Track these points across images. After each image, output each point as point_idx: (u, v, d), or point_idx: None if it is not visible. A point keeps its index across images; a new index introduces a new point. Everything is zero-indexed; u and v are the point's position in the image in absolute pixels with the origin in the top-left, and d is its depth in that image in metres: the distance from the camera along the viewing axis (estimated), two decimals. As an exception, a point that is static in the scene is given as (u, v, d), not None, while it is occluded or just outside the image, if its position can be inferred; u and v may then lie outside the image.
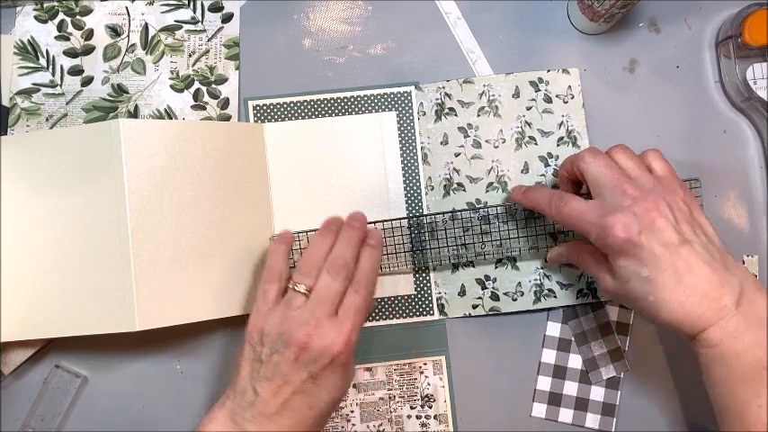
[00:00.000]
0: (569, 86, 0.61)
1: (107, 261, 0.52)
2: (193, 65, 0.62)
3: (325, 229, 0.54)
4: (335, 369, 0.49)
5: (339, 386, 0.50)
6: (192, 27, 0.62)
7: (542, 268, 0.60)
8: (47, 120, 0.61)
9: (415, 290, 0.60)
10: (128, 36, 0.62)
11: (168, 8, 0.62)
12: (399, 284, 0.60)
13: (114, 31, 0.62)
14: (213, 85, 0.62)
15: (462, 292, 0.60)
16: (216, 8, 0.62)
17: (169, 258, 0.53)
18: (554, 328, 0.61)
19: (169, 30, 0.62)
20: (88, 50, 0.62)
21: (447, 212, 0.59)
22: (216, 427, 0.49)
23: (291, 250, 0.57)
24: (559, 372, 0.60)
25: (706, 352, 0.48)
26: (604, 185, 0.50)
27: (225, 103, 0.61)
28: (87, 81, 0.61)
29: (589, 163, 0.51)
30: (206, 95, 0.61)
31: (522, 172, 0.60)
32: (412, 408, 0.60)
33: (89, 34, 0.62)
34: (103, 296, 0.52)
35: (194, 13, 0.62)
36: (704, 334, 0.47)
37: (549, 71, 0.61)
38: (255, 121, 0.61)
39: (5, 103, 0.61)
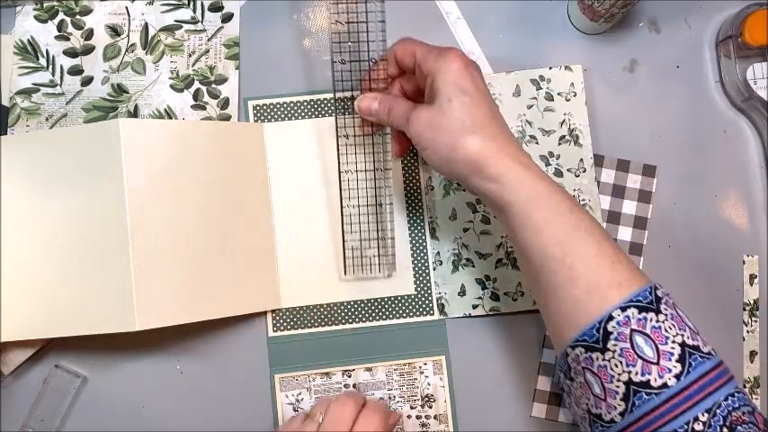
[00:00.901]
0: (572, 84, 0.60)
1: (107, 261, 0.52)
2: (193, 65, 0.62)
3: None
4: None
5: None
6: (191, 27, 0.62)
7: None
8: (47, 120, 0.60)
9: (415, 290, 0.60)
10: (128, 36, 0.62)
11: (168, 8, 0.62)
12: (399, 284, 0.60)
13: (114, 30, 0.62)
14: (213, 85, 0.61)
15: (462, 292, 0.60)
16: (216, 8, 0.62)
17: (169, 258, 0.53)
18: (554, 328, 0.61)
19: (169, 30, 0.62)
20: (88, 50, 0.62)
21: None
22: None
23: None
24: (559, 372, 0.60)
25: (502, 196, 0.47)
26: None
27: (225, 103, 0.61)
28: (87, 81, 0.61)
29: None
30: (206, 95, 0.61)
31: (522, 172, 0.60)
32: (412, 408, 0.60)
33: (89, 34, 0.62)
34: (103, 296, 0.52)
35: (194, 12, 0.62)
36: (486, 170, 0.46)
37: (550, 68, 0.61)
38: (255, 121, 0.61)
39: (5, 102, 0.61)
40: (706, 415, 0.42)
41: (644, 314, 0.43)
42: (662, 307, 0.44)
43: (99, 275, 0.52)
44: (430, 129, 0.48)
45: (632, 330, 0.43)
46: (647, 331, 0.43)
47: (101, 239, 0.52)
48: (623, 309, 0.44)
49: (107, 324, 0.52)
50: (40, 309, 0.54)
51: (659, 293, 0.45)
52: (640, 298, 0.44)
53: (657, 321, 0.43)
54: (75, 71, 0.61)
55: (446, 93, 0.48)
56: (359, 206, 0.58)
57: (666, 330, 0.43)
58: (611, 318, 0.44)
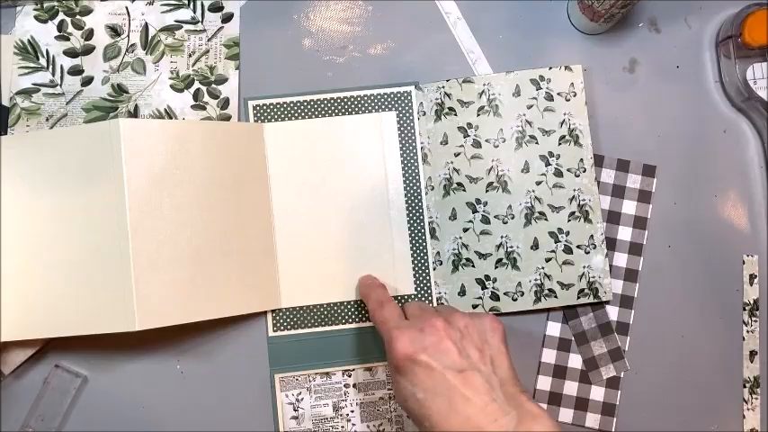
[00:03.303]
0: (572, 84, 0.60)
1: (107, 261, 0.52)
2: (193, 65, 0.62)
3: None
4: None
5: None
6: (191, 27, 0.62)
7: (543, 268, 0.60)
8: (47, 120, 0.61)
9: (416, 290, 0.60)
10: (128, 36, 0.62)
11: (168, 8, 0.62)
12: (400, 284, 0.60)
13: (114, 30, 0.62)
14: (213, 85, 0.61)
15: (462, 292, 0.60)
16: (216, 8, 0.62)
17: (169, 258, 0.53)
18: (554, 328, 0.61)
19: (169, 30, 0.62)
20: (88, 50, 0.62)
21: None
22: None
23: None
24: (559, 372, 0.60)
25: None
26: (411, 313, 0.52)
27: (225, 103, 0.61)
28: (87, 81, 0.61)
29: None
30: (206, 95, 0.61)
31: (522, 171, 0.60)
32: (412, 408, 0.60)
33: (89, 34, 0.62)
34: (103, 296, 0.52)
35: (194, 13, 0.62)
36: None
37: (550, 68, 0.61)
38: (255, 121, 0.61)
39: (5, 103, 0.61)
40: None
41: None
42: None
43: (99, 275, 0.52)
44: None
45: None
46: None
47: (101, 239, 0.52)
48: None
49: (107, 324, 0.52)
50: (40, 309, 0.54)
51: None
52: None
53: None
54: (76, 71, 0.61)
55: (401, 393, 0.48)
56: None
57: None
58: None
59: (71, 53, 0.61)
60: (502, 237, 0.60)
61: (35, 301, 0.54)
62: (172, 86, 0.61)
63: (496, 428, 0.44)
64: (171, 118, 0.61)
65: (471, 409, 0.45)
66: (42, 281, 0.54)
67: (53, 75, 0.61)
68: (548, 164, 0.60)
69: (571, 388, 0.60)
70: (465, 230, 0.60)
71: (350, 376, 0.60)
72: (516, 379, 0.48)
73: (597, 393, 0.60)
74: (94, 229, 0.53)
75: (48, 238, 0.54)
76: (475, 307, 0.60)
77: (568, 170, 0.60)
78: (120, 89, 0.61)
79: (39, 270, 0.54)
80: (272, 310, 0.60)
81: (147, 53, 0.62)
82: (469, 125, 0.60)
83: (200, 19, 0.62)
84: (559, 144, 0.60)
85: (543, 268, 0.60)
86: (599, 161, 0.62)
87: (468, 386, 0.45)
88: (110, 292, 0.52)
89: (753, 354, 0.61)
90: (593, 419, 0.60)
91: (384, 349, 0.51)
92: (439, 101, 0.61)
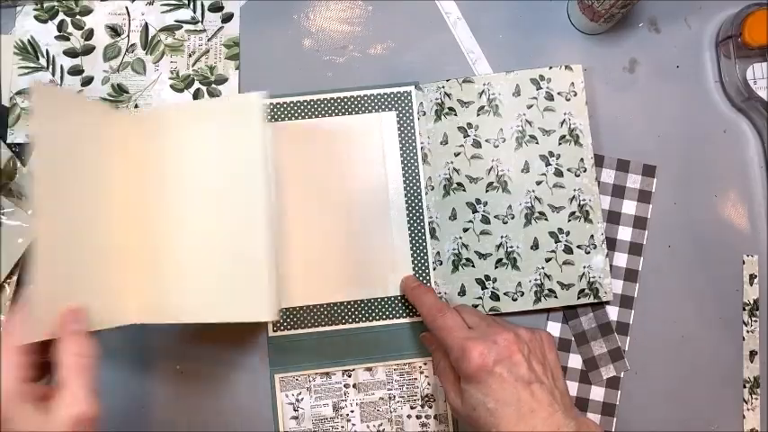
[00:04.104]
0: (572, 83, 0.60)
1: (245, 247, 0.51)
2: (193, 65, 0.62)
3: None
4: None
5: None
6: (191, 27, 0.62)
7: (543, 268, 0.60)
8: (47, 120, 0.61)
9: (416, 290, 0.60)
10: (128, 36, 0.62)
11: (168, 8, 0.62)
12: (393, 285, 0.60)
13: (114, 31, 0.62)
14: (213, 85, 0.62)
15: (462, 292, 0.60)
16: (216, 8, 0.62)
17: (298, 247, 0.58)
18: (554, 328, 0.61)
19: (169, 30, 0.62)
20: (88, 50, 0.62)
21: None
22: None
23: None
24: (559, 372, 0.60)
25: None
26: (473, 322, 0.52)
27: (225, 103, 0.61)
28: (87, 81, 0.61)
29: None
30: (206, 95, 0.61)
31: (522, 171, 0.60)
32: (412, 408, 0.60)
33: (89, 34, 0.62)
34: (239, 283, 0.51)
35: (194, 13, 0.62)
36: None
37: (550, 68, 0.61)
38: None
39: (5, 102, 0.61)
40: None
41: None
42: None
43: (235, 262, 0.51)
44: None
45: None
46: None
47: (239, 224, 0.51)
48: None
49: (243, 313, 0.50)
50: (174, 293, 0.52)
51: None
52: None
53: None
54: (76, 71, 0.61)
55: (470, 402, 0.50)
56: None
57: None
58: None
59: (71, 53, 0.61)
60: (502, 237, 0.60)
61: (170, 286, 0.53)
62: (172, 86, 0.61)
63: None
64: (171, 118, 0.61)
65: (537, 419, 0.47)
66: (178, 264, 0.53)
67: (53, 75, 0.61)
68: (548, 164, 0.60)
69: (571, 388, 0.60)
70: (465, 230, 0.60)
71: (350, 376, 0.60)
72: (569, 391, 0.51)
73: (597, 393, 0.60)
74: (234, 212, 0.52)
75: (186, 220, 0.53)
76: (475, 307, 0.60)
77: (569, 170, 0.60)
78: (120, 89, 0.61)
79: (176, 253, 0.53)
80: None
81: (147, 53, 0.62)
82: (469, 125, 0.60)
83: (201, 19, 0.62)
84: (560, 144, 0.60)
85: (543, 268, 0.60)
86: (599, 161, 0.62)
87: (534, 398, 0.48)
88: (246, 279, 0.50)
89: (753, 354, 0.61)
90: (593, 419, 0.60)
91: (442, 357, 0.53)
92: (439, 101, 0.61)
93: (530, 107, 0.60)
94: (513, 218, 0.60)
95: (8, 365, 0.44)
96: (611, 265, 0.61)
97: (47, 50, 0.61)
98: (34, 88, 0.48)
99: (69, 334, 0.46)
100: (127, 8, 0.62)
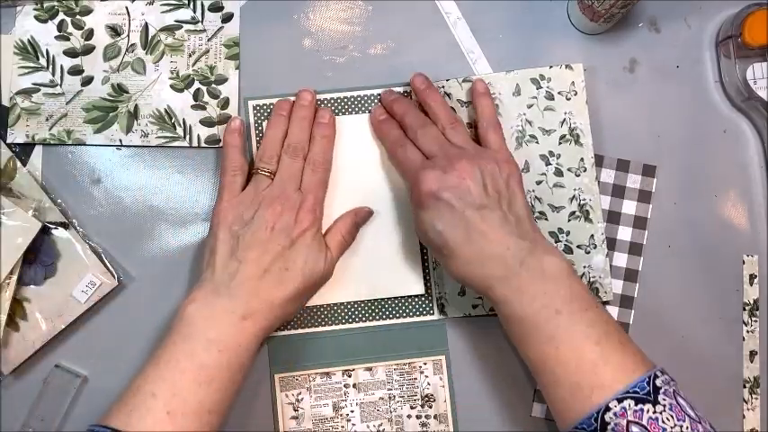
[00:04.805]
0: (572, 83, 0.60)
1: (397, 234, 0.60)
2: (193, 65, 0.62)
3: (276, 117, 0.59)
4: (307, 237, 0.54)
5: (313, 255, 0.54)
6: (191, 27, 0.62)
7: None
8: (47, 120, 0.60)
9: (417, 289, 0.60)
10: (128, 36, 0.62)
11: (168, 8, 0.62)
12: (407, 284, 0.60)
13: (114, 30, 0.62)
14: (213, 85, 0.61)
15: (462, 292, 0.60)
16: (216, 8, 0.62)
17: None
18: (554, 328, 0.61)
19: (169, 30, 0.62)
20: (88, 50, 0.62)
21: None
22: (199, 303, 0.51)
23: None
24: (560, 372, 0.60)
25: (499, 309, 0.51)
26: (432, 152, 0.54)
27: (225, 103, 0.61)
28: (87, 81, 0.61)
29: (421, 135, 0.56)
30: (206, 95, 0.61)
31: (522, 171, 0.60)
32: (412, 408, 0.60)
33: (89, 34, 0.62)
34: (396, 265, 0.60)
35: (194, 12, 0.62)
36: (491, 292, 0.50)
37: (551, 67, 0.61)
38: (256, 121, 0.61)
39: (5, 102, 0.61)
40: None
41: (641, 405, 0.45)
42: (660, 398, 0.45)
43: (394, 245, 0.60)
44: None
45: (629, 422, 0.44)
46: (644, 422, 0.44)
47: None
48: (620, 400, 0.45)
49: (403, 289, 0.60)
50: (349, 276, 0.60)
51: (658, 383, 0.46)
52: (637, 389, 0.45)
53: (655, 413, 0.44)
54: (75, 71, 0.61)
55: (421, 226, 0.54)
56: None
57: (664, 422, 0.44)
58: (608, 408, 0.45)
59: (71, 53, 0.61)
60: (502, 237, 0.60)
61: (354, 268, 0.60)
62: (172, 86, 0.61)
63: (508, 257, 0.49)
64: (171, 118, 0.61)
65: (485, 240, 0.50)
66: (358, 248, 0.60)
67: (53, 75, 0.61)
68: (548, 163, 0.60)
69: (571, 388, 0.60)
70: (465, 230, 0.60)
71: (350, 376, 0.60)
72: (531, 219, 0.53)
73: (597, 393, 0.60)
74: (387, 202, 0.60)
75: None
76: (475, 307, 0.60)
77: (569, 169, 0.60)
78: (120, 89, 0.61)
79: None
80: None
81: (147, 53, 0.62)
82: (470, 125, 0.60)
83: (200, 19, 0.62)
84: (560, 143, 0.60)
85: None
86: (599, 161, 0.62)
87: (485, 221, 0.50)
88: (400, 260, 0.60)
89: (753, 354, 0.61)
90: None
91: (408, 189, 0.57)
92: (439, 101, 0.61)
93: (530, 107, 0.60)
94: (513, 218, 0.60)
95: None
96: (611, 265, 0.61)
97: (47, 50, 0.61)
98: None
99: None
100: (127, 8, 0.62)
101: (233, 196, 0.55)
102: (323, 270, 0.55)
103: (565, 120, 0.60)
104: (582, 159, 0.60)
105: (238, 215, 0.54)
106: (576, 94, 0.60)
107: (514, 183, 0.53)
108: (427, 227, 0.52)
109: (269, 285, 0.52)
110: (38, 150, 0.61)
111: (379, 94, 0.61)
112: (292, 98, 0.60)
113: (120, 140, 0.61)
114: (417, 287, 0.60)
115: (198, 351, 0.49)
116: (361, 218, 0.59)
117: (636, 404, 0.45)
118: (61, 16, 0.62)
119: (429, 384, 0.60)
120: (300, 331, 0.60)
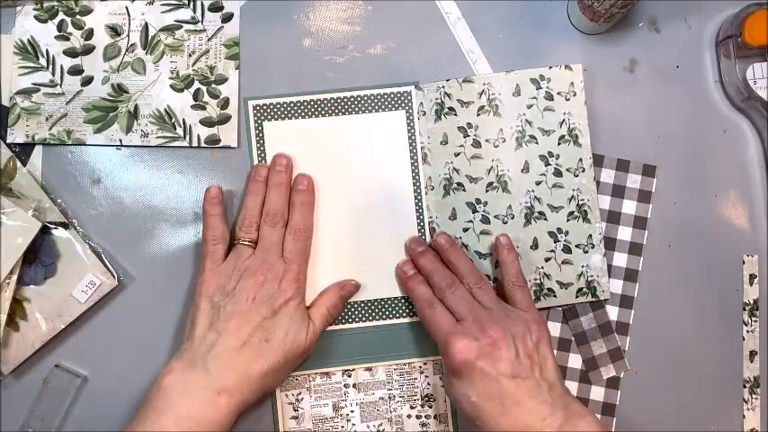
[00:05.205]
0: (572, 83, 0.60)
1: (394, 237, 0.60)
2: (193, 65, 0.62)
3: (253, 183, 0.58)
4: (290, 307, 0.54)
5: (295, 326, 0.54)
6: (191, 27, 0.62)
7: (542, 267, 0.60)
8: (47, 120, 0.61)
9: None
10: (128, 36, 0.62)
11: (168, 8, 0.62)
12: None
13: (114, 30, 0.62)
14: (213, 85, 0.62)
15: (462, 292, 0.60)
16: (216, 8, 0.62)
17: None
18: (554, 328, 0.61)
19: (169, 29, 0.62)
20: (88, 50, 0.62)
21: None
22: (175, 376, 0.51)
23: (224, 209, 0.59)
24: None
25: None
26: (461, 314, 0.53)
27: (225, 103, 0.61)
28: (87, 81, 0.61)
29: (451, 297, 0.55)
30: (206, 95, 0.61)
31: (522, 171, 0.60)
32: (412, 407, 0.60)
33: (89, 34, 0.62)
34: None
35: (194, 12, 0.62)
36: None
37: (550, 68, 0.61)
38: (255, 121, 0.61)
39: (5, 102, 0.61)
40: None
41: None
42: None
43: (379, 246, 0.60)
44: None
45: None
46: None
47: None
48: None
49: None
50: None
51: None
52: None
53: None
54: (75, 71, 0.61)
55: (454, 394, 0.53)
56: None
57: None
58: None
59: (71, 53, 0.61)
60: (502, 237, 0.60)
61: (355, 269, 0.60)
62: (172, 86, 0.61)
63: (545, 427, 0.48)
64: (171, 118, 0.61)
65: (520, 410, 0.49)
66: (357, 250, 0.60)
67: (53, 75, 0.61)
68: (547, 164, 0.60)
69: (571, 388, 0.60)
70: (465, 230, 0.60)
71: (350, 376, 0.60)
72: (562, 382, 0.52)
73: (597, 393, 0.60)
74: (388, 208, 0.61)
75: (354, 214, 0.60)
76: (475, 307, 0.60)
77: (568, 170, 0.60)
78: (120, 89, 0.61)
79: (357, 242, 0.60)
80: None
81: (147, 53, 0.62)
82: (469, 125, 0.60)
83: (200, 19, 0.62)
84: (559, 144, 0.60)
85: (543, 268, 0.60)
86: (599, 161, 0.62)
87: (519, 390, 0.49)
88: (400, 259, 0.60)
89: (753, 354, 0.61)
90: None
91: (435, 347, 0.55)
92: (439, 101, 0.61)
93: (529, 107, 0.60)
94: (512, 218, 0.60)
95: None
96: (610, 265, 0.61)
97: (47, 50, 0.61)
98: (267, 128, 0.60)
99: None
100: (127, 8, 0.62)
101: (215, 265, 0.55)
102: (305, 343, 0.55)
103: (564, 120, 0.60)
104: (580, 160, 0.60)
105: (220, 286, 0.54)
106: (575, 95, 0.60)
107: (545, 346, 0.52)
108: (461, 397, 0.51)
109: (247, 358, 0.52)
110: (38, 150, 0.61)
111: (380, 94, 0.61)
112: (291, 99, 0.60)
113: (120, 140, 0.61)
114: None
115: (168, 427, 0.49)
116: (348, 291, 0.59)
117: None
118: (61, 16, 0.62)
119: (429, 384, 0.60)
120: (300, 331, 0.60)
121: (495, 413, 0.49)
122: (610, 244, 0.61)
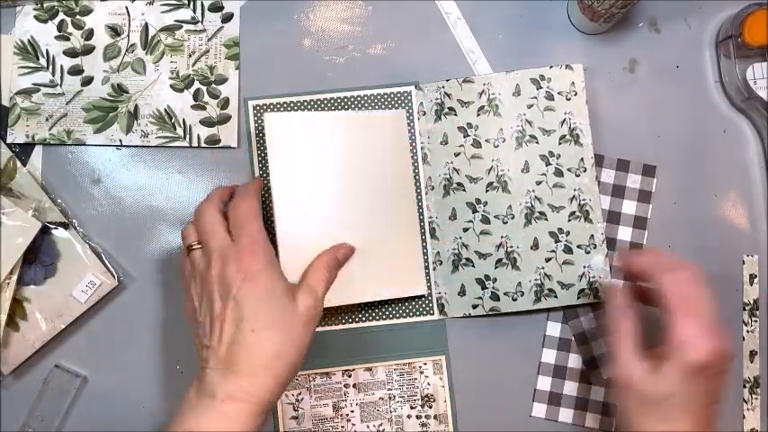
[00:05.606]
0: (572, 83, 0.60)
1: (400, 238, 0.60)
2: (193, 65, 0.62)
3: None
4: (254, 284, 0.48)
5: (278, 303, 0.49)
6: (191, 27, 0.62)
7: (543, 268, 0.60)
8: (47, 120, 0.61)
9: (427, 291, 0.60)
10: (128, 36, 0.62)
11: (168, 8, 0.62)
12: (410, 285, 0.60)
13: (114, 30, 0.62)
14: (213, 85, 0.62)
15: (462, 292, 0.60)
16: (216, 8, 0.62)
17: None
18: (554, 328, 0.61)
19: (169, 30, 0.62)
20: (88, 50, 0.62)
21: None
22: (189, 395, 0.48)
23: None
24: (559, 372, 0.60)
25: None
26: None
27: (225, 103, 0.61)
28: (87, 81, 0.61)
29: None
30: (206, 95, 0.61)
31: (522, 171, 0.60)
32: (412, 408, 0.60)
33: (89, 34, 0.62)
34: (399, 267, 0.59)
35: (194, 12, 0.62)
36: None
37: (551, 67, 0.61)
38: (255, 121, 0.61)
39: (5, 102, 0.61)
40: None
41: None
42: None
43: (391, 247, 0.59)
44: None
45: None
46: None
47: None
48: None
49: (405, 290, 0.60)
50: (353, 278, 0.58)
51: None
52: None
53: None
54: (75, 71, 0.61)
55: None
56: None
57: None
58: None
59: (71, 53, 0.61)
60: (502, 237, 0.60)
61: (354, 270, 0.57)
62: (172, 86, 0.61)
63: None
64: (171, 118, 0.61)
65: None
66: (360, 251, 0.58)
67: (53, 75, 0.61)
68: (548, 163, 0.60)
69: (571, 388, 0.60)
70: (465, 230, 0.60)
71: (350, 376, 0.60)
72: None
73: (597, 393, 0.60)
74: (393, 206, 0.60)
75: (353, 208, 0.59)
76: (475, 307, 0.60)
77: (569, 170, 0.60)
78: (120, 89, 0.61)
79: (360, 242, 0.58)
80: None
81: (147, 53, 0.62)
82: (469, 125, 0.60)
83: (201, 19, 0.62)
84: (560, 144, 0.60)
85: (543, 268, 0.60)
86: (599, 161, 0.62)
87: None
88: (404, 262, 0.59)
89: (753, 354, 0.61)
90: (592, 420, 0.60)
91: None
92: (439, 101, 0.61)
93: (530, 107, 0.60)
94: (513, 218, 0.60)
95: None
96: (610, 265, 0.61)
97: (47, 50, 0.61)
98: (268, 119, 0.57)
99: None
100: (127, 8, 0.62)
101: (186, 287, 0.52)
102: (306, 310, 0.50)
103: (565, 120, 0.60)
104: (582, 159, 0.60)
105: (193, 307, 0.51)
106: (575, 95, 0.60)
107: None
108: (674, 391, 0.48)
109: (242, 357, 0.47)
110: (38, 150, 0.61)
111: (379, 94, 0.61)
112: (291, 99, 0.60)
113: (120, 140, 0.61)
114: (418, 288, 0.60)
115: None
116: (343, 255, 0.56)
117: None
118: (61, 16, 0.62)
119: (429, 384, 0.60)
120: (300, 331, 0.60)
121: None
122: (610, 244, 0.61)
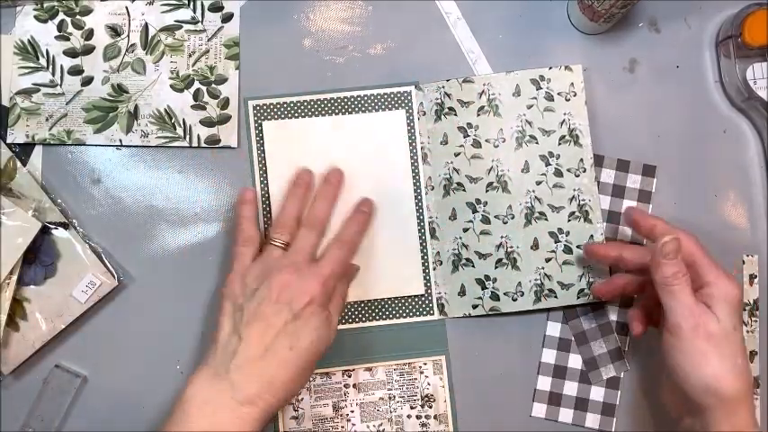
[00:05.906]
0: (572, 83, 0.60)
1: (400, 238, 0.60)
2: (193, 65, 0.62)
3: (295, 188, 0.58)
4: (315, 311, 0.51)
5: (319, 332, 0.51)
6: (191, 27, 0.62)
7: (543, 268, 0.60)
8: (47, 120, 0.60)
9: (425, 290, 0.60)
10: (128, 36, 0.62)
11: (168, 8, 0.62)
12: (408, 284, 0.60)
13: (114, 30, 0.62)
14: (213, 85, 0.62)
15: (462, 292, 0.60)
16: (216, 8, 0.62)
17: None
18: (554, 328, 0.61)
19: (169, 30, 0.62)
20: (88, 50, 0.62)
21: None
22: (198, 386, 0.49)
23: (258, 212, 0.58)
24: (559, 372, 0.60)
25: None
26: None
27: (225, 103, 0.61)
28: (87, 81, 0.61)
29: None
30: (206, 95, 0.61)
31: (522, 171, 0.60)
32: (412, 408, 0.60)
33: (89, 34, 0.62)
34: (398, 266, 0.60)
35: (194, 13, 0.62)
36: None
37: (550, 68, 0.61)
38: (255, 121, 0.61)
39: (5, 102, 0.61)
40: None
41: None
42: None
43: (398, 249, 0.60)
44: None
45: None
46: None
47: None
48: None
49: (404, 289, 0.60)
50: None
51: None
52: None
53: None
54: (75, 71, 0.61)
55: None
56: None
57: None
58: None
59: (71, 53, 0.61)
60: (502, 237, 0.60)
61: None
62: (172, 86, 0.61)
63: None
64: (171, 118, 0.61)
65: None
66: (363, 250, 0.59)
67: (53, 75, 0.61)
68: (548, 164, 0.60)
69: (571, 388, 0.60)
70: (465, 230, 0.60)
71: (350, 376, 0.60)
72: None
73: (597, 393, 0.60)
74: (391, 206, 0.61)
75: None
76: (475, 307, 0.60)
77: (568, 170, 0.60)
78: (120, 89, 0.61)
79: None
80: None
81: (147, 53, 0.62)
82: (469, 125, 0.60)
83: (201, 19, 0.62)
84: (559, 144, 0.60)
85: (543, 268, 0.60)
86: (599, 161, 0.62)
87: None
88: (403, 261, 0.60)
89: (753, 354, 0.61)
90: (593, 419, 0.60)
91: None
92: (439, 101, 0.61)
93: (530, 107, 0.60)
94: (513, 218, 0.60)
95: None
96: (610, 268, 0.61)
97: (47, 50, 0.61)
98: (267, 127, 0.60)
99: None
100: (127, 8, 0.62)
101: (241, 267, 0.54)
102: (328, 343, 0.52)
103: (564, 120, 0.60)
104: (581, 160, 0.60)
105: (244, 286, 0.52)
106: (575, 95, 0.60)
107: None
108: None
109: (270, 366, 0.49)
110: (38, 150, 0.61)
111: (379, 94, 0.61)
112: (291, 99, 0.60)
113: (120, 140, 0.61)
114: (417, 287, 0.60)
115: None
116: (350, 277, 0.58)
117: None
118: (61, 16, 0.62)
119: (429, 384, 0.60)
120: (300, 331, 0.60)
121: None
122: (610, 244, 0.61)
